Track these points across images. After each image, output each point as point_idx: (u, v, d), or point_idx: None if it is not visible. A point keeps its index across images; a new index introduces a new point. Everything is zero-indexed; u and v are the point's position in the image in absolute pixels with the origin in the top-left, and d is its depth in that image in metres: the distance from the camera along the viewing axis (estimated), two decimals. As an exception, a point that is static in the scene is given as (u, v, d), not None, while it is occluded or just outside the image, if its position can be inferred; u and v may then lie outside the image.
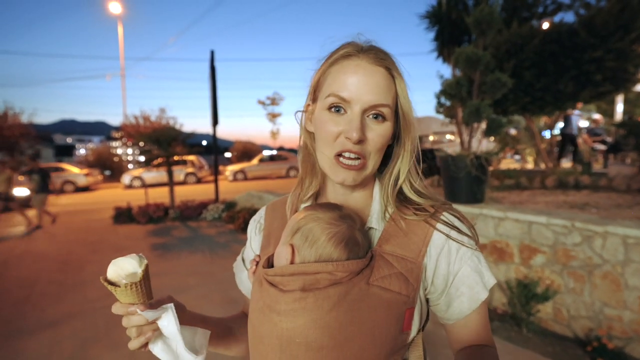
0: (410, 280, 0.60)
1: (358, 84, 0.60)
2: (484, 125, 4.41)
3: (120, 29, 24.92)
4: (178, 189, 9.93)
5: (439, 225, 0.64)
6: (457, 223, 0.65)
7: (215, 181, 9.18)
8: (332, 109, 0.62)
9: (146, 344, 0.60)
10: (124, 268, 0.58)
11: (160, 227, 7.55)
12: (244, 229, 6.68)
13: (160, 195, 10.03)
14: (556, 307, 2.87)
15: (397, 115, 0.65)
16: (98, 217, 8.91)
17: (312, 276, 0.55)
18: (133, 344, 0.59)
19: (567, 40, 6.26)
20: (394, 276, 0.59)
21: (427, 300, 0.65)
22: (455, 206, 0.71)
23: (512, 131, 14.50)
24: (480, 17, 4.22)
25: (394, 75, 0.63)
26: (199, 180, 17.76)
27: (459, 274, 0.63)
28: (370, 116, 0.62)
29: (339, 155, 0.62)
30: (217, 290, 3.96)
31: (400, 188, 0.67)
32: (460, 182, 3.71)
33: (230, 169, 18.37)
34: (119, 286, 0.58)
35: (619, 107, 10.96)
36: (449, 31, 8.23)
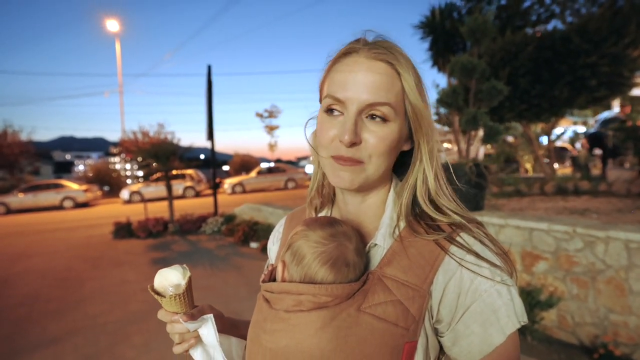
0: (410, 311, 0.52)
1: (353, 82, 0.55)
2: (480, 132, 4.44)
3: (118, 47, 25.25)
4: (177, 203, 9.91)
5: (453, 249, 0.53)
6: (477, 247, 0.54)
7: (214, 194, 9.16)
8: (329, 112, 0.58)
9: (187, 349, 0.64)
10: (168, 278, 0.61)
11: (160, 241, 7.50)
12: (243, 241, 6.65)
13: (159, 209, 9.99)
14: (560, 314, 2.83)
15: (408, 114, 0.58)
16: (98, 232, 8.86)
17: (296, 297, 0.52)
18: (177, 349, 0.64)
19: (561, 47, 6.34)
20: (390, 304, 0.51)
21: (436, 330, 0.56)
22: None
23: (509, 138, 14.56)
24: (474, 26, 4.29)
25: (399, 71, 0.56)
26: (198, 194, 17.71)
27: (470, 308, 0.52)
28: (369, 117, 0.56)
29: (334, 157, 0.57)
30: (217, 303, 3.87)
31: (417, 200, 0.59)
32: (459, 190, 3.70)
33: (228, 182, 18.36)
34: (165, 296, 0.61)
35: (614, 111, 11.04)
36: (443, 40, 8.34)
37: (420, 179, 0.59)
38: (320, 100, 0.64)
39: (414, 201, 0.59)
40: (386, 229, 0.59)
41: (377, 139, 0.55)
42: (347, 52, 0.58)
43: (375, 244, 0.59)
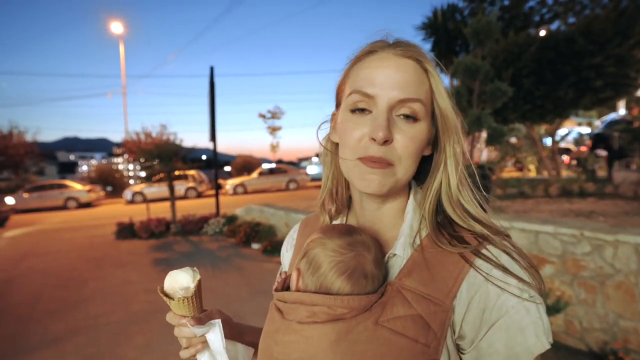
0: (432, 327, 0.48)
1: (383, 77, 0.52)
2: (484, 134, 4.40)
3: (121, 48, 25.36)
4: (179, 204, 9.91)
5: (478, 262, 0.50)
6: (504, 260, 0.50)
7: (216, 195, 9.16)
8: (356, 110, 0.55)
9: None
10: (178, 281, 0.61)
11: (162, 242, 7.50)
12: (245, 242, 6.63)
13: (161, 210, 9.99)
14: (568, 319, 2.78)
15: (434, 116, 0.56)
16: (100, 232, 8.88)
17: (310, 307, 0.49)
18: (183, 354, 0.62)
19: (565, 48, 6.30)
20: (410, 319, 0.48)
21: (458, 347, 0.52)
22: None
23: (513, 139, 14.49)
24: (478, 27, 4.26)
25: (427, 69, 0.54)
26: (200, 195, 17.75)
27: (495, 325, 0.48)
28: (400, 115, 0.53)
29: (362, 159, 0.54)
30: (219, 305, 3.85)
31: (442, 207, 0.55)
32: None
33: (230, 183, 18.37)
34: (173, 299, 0.60)
35: (621, 113, 10.96)
36: (445, 42, 8.32)
37: (446, 184, 0.55)
38: (338, 104, 0.61)
39: (437, 208, 0.56)
40: (406, 239, 0.56)
41: (407, 138, 0.53)
42: (371, 51, 0.56)
43: (395, 254, 0.56)
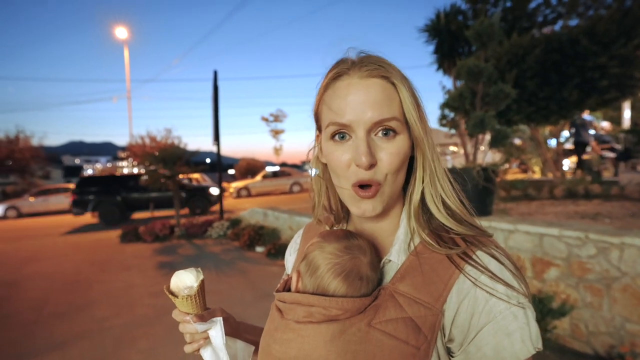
0: (422, 330, 0.50)
1: (354, 104, 0.54)
2: (487, 136, 4.38)
3: (126, 53, 25.59)
4: (184, 207, 9.93)
5: (467, 268, 0.51)
6: (492, 265, 0.52)
7: (220, 198, 9.19)
8: (336, 137, 0.57)
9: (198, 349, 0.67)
10: (183, 280, 0.65)
11: (166, 245, 7.54)
12: (249, 246, 6.64)
13: (165, 213, 10.04)
14: (573, 322, 2.76)
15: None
16: (105, 236, 8.94)
17: (307, 308, 0.52)
18: (187, 349, 0.66)
19: (569, 49, 6.27)
20: (401, 321, 0.50)
21: (448, 350, 0.53)
22: None
23: (517, 141, 14.40)
24: (480, 29, 4.25)
25: (394, 83, 0.55)
26: (204, 197, 17.80)
27: (483, 330, 0.50)
28: (379, 134, 0.55)
29: (356, 185, 0.56)
30: (223, 307, 3.89)
31: (429, 209, 0.58)
32: (467, 194, 3.65)
33: (234, 186, 18.42)
34: (178, 297, 0.64)
35: (626, 114, 10.86)
36: (448, 44, 8.30)
37: (418, 187, 0.58)
38: (318, 127, 0.63)
39: (428, 213, 0.58)
40: (400, 245, 0.58)
41: (390, 155, 0.55)
42: (337, 76, 0.57)
43: (390, 260, 0.58)
